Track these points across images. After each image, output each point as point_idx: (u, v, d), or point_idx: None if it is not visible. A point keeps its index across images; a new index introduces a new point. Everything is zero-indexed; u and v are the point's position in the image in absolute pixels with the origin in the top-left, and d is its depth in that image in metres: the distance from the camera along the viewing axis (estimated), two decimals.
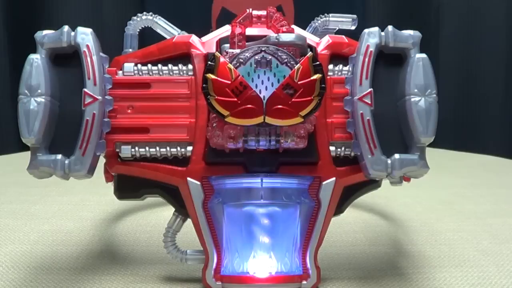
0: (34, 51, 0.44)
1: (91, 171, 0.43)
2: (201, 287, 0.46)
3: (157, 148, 0.45)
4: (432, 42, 1.32)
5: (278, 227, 0.45)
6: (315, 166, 0.45)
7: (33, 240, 0.58)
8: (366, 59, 0.44)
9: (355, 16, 0.50)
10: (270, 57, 0.41)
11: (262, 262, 0.45)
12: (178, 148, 0.45)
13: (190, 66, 0.46)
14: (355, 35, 0.47)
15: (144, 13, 0.50)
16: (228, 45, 0.44)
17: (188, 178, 0.45)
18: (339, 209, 0.46)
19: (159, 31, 0.50)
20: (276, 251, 0.45)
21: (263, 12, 0.46)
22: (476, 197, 0.79)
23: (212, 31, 0.47)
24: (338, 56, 0.46)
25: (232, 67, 0.41)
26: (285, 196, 0.45)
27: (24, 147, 0.44)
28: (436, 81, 0.44)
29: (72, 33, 0.44)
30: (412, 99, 0.43)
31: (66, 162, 0.43)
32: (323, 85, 0.42)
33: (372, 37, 0.44)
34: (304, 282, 0.45)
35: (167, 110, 0.45)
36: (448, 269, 0.51)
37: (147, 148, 0.45)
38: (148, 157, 0.45)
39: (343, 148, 0.45)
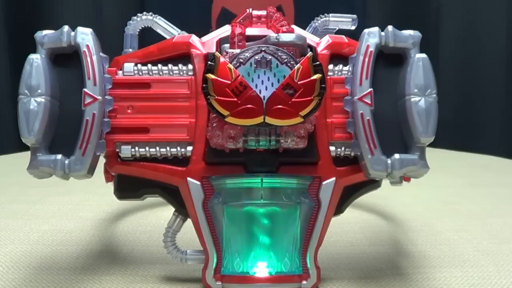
0: (34, 51, 0.44)
1: (91, 171, 0.43)
2: (201, 287, 0.46)
3: (157, 148, 0.45)
4: (432, 42, 1.32)
5: (278, 227, 0.45)
6: (315, 166, 0.45)
7: (33, 240, 0.57)
8: (366, 59, 0.44)
9: (355, 16, 0.50)
10: (270, 57, 0.41)
11: (262, 262, 0.45)
12: (178, 148, 0.45)
13: (190, 66, 0.46)
14: (355, 35, 0.47)
15: (144, 13, 0.50)
16: (228, 45, 0.44)
17: (188, 178, 0.45)
18: (339, 209, 0.46)
19: (159, 31, 0.50)
20: (276, 251, 0.45)
21: (263, 12, 0.46)
22: (476, 197, 0.79)
23: (212, 31, 0.47)
24: (338, 56, 0.46)
25: (232, 67, 0.41)
26: (285, 196, 0.45)
27: (24, 147, 0.44)
28: (436, 81, 0.44)
29: (72, 33, 0.44)
30: (412, 99, 0.43)
31: (66, 162, 0.43)
32: (323, 85, 0.42)
33: (372, 37, 0.44)
34: (304, 282, 0.45)
35: (167, 110, 0.45)
36: (448, 269, 0.51)
37: (147, 148, 0.45)
38: (148, 157, 0.45)
39: (343, 148, 0.45)
